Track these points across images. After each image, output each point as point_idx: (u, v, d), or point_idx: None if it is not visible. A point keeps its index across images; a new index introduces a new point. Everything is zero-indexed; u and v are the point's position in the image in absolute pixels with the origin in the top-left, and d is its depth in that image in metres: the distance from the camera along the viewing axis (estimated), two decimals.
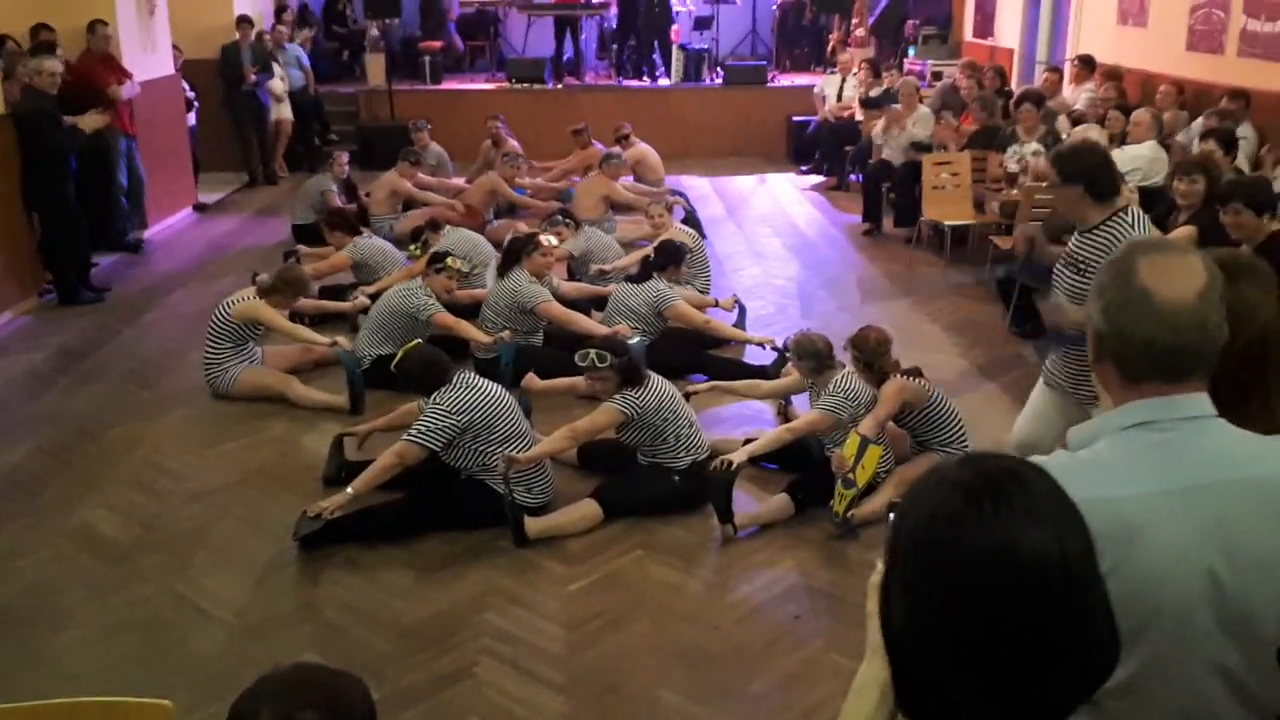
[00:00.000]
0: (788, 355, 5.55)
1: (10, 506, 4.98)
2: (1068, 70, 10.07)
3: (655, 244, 7.13)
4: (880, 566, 1.62)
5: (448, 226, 7.90)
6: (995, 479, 1.25)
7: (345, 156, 9.71)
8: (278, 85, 12.19)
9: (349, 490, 4.54)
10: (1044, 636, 1.19)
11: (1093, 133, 6.76)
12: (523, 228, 8.74)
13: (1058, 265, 4.10)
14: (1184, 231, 5.47)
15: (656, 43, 14.37)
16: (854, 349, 4.90)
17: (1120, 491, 1.55)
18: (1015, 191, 7.72)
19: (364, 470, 4.66)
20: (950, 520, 1.22)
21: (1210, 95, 8.27)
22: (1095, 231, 3.91)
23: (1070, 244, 4.04)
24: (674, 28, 14.65)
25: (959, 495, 1.23)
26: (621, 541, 4.63)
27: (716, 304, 7.07)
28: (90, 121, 8.04)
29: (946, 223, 8.46)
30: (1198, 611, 1.55)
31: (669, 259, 6.61)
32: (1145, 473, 1.57)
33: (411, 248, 7.57)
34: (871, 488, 4.61)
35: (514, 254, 6.56)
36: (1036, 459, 1.60)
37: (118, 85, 8.99)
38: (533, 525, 4.58)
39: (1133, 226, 3.84)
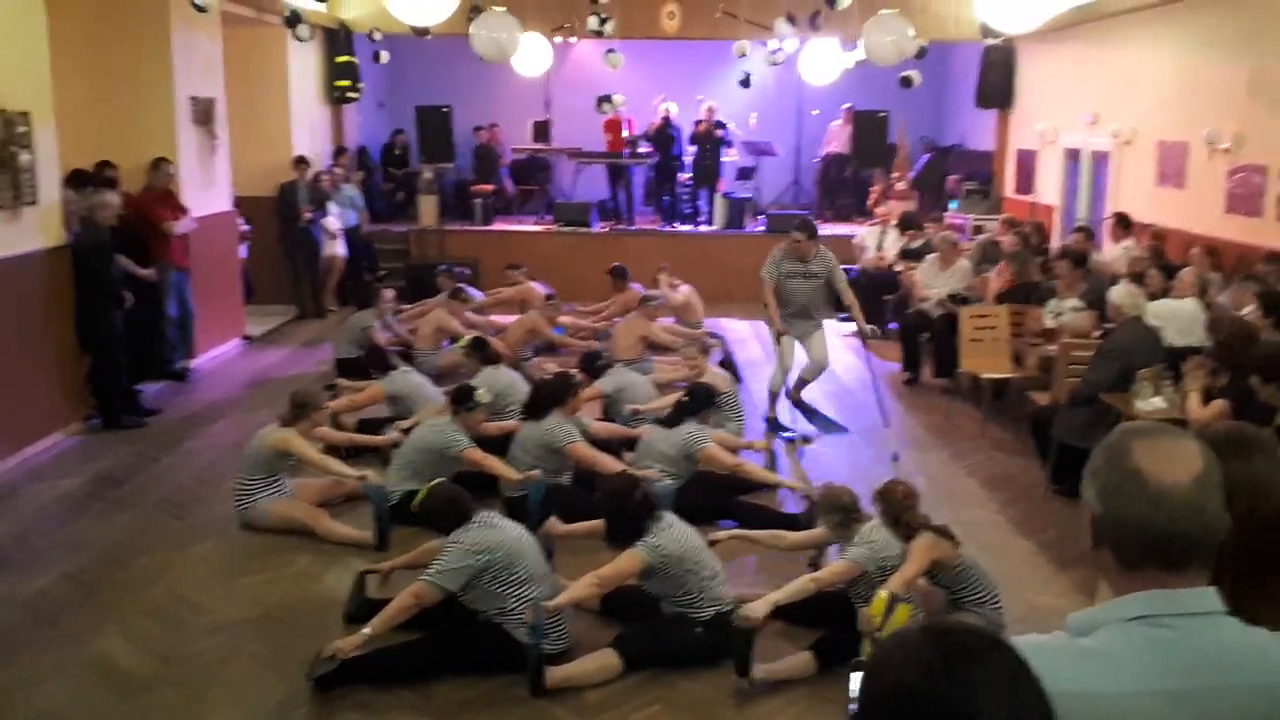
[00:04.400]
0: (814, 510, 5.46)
1: (29, 634, 4.97)
2: (1106, 228, 10.14)
3: (688, 387, 7.15)
4: None
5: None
6: (953, 654, 1.24)
7: (391, 293, 9.93)
8: (332, 223, 12.60)
9: (366, 630, 4.48)
10: None
11: (1120, 293, 6.75)
12: (551, 368, 8.86)
13: None
14: (1216, 406, 5.40)
15: (705, 191, 14.77)
16: (880, 502, 4.82)
17: (1119, 688, 1.48)
18: (1053, 347, 7.70)
19: (383, 609, 4.61)
20: (910, 689, 1.22)
21: (1249, 258, 8.27)
22: None
23: None
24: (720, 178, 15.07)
25: (920, 670, 1.23)
26: (639, 695, 4.50)
27: (751, 446, 7.03)
28: (141, 272, 8.58)
29: (985, 375, 8.42)
30: None
31: (701, 403, 6.61)
32: (1145, 670, 1.50)
33: (458, 346, 7.71)
34: None
35: (549, 398, 6.56)
36: (1034, 639, 1.55)
37: (173, 220, 9.33)
38: (552, 675, 4.48)
39: None
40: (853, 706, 1.60)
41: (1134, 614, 1.54)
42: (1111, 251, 9.74)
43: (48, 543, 6.05)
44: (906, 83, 15.07)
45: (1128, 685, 1.49)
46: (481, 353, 7.91)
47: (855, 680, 1.58)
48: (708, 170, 14.68)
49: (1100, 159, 11.89)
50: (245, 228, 11.73)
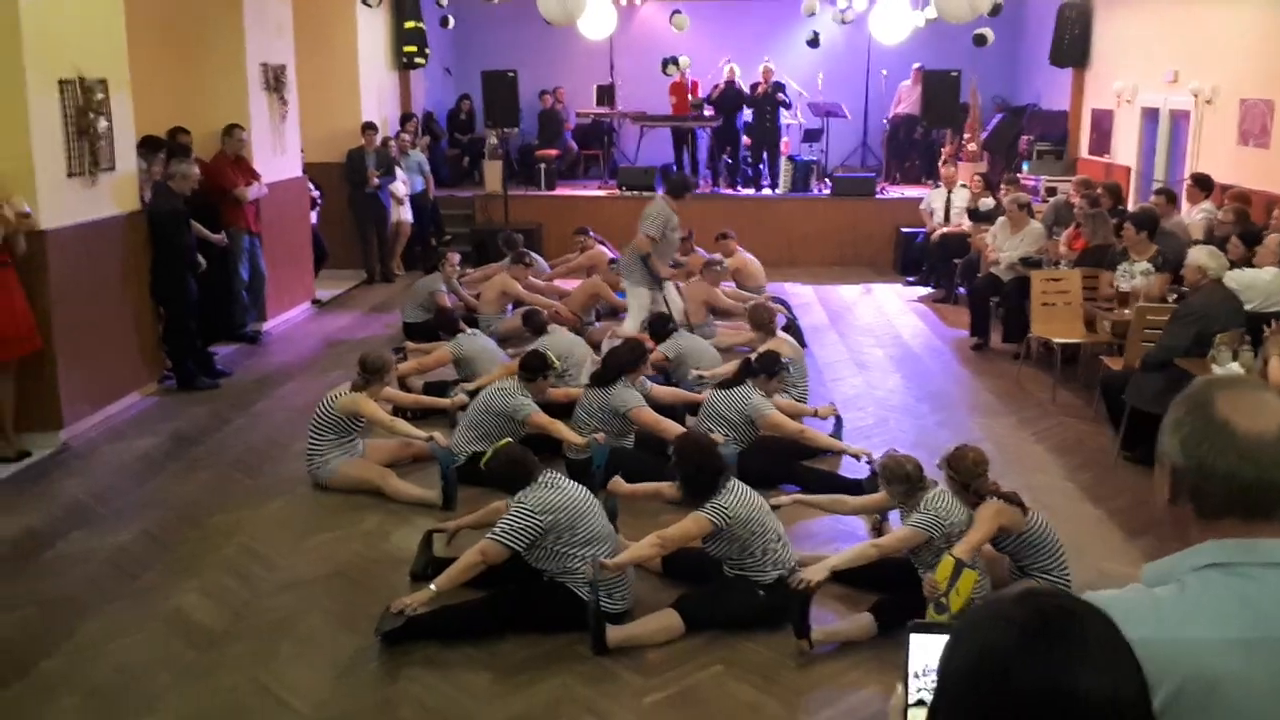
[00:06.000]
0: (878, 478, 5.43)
1: (110, 588, 5.13)
2: (1183, 189, 9.85)
3: (757, 353, 7.11)
4: (900, 690, 1.56)
5: (552, 326, 8.07)
6: (1051, 617, 1.21)
7: (456, 258, 10.01)
8: (399, 188, 12.72)
9: (432, 587, 4.56)
10: None
11: (1202, 255, 6.56)
12: (620, 330, 8.91)
13: None
14: None
15: (765, 154, 14.62)
16: (949, 469, 4.77)
17: (1197, 634, 1.46)
18: (1127, 311, 7.53)
19: (449, 567, 4.69)
20: (1002, 658, 1.19)
21: None
22: None
23: None
24: (783, 140, 14.89)
25: (1014, 632, 1.20)
26: (701, 655, 4.53)
27: (815, 413, 6.99)
28: (214, 237, 8.86)
29: (1056, 340, 8.27)
30: None
31: (762, 368, 6.58)
32: (1225, 617, 1.48)
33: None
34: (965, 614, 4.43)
35: (621, 366, 6.57)
36: (1110, 593, 1.54)
37: (245, 186, 9.49)
38: (613, 634, 4.52)
39: None
40: (913, 668, 1.58)
41: (1207, 561, 1.52)
42: (1189, 214, 9.47)
43: (127, 500, 6.23)
44: (980, 41, 14.79)
45: (1205, 632, 1.47)
46: (532, 324, 7.95)
47: (915, 642, 1.58)
48: (767, 133, 14.52)
49: (1179, 118, 11.54)
50: (315, 193, 11.89)
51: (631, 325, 8.90)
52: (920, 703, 1.56)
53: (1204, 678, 1.43)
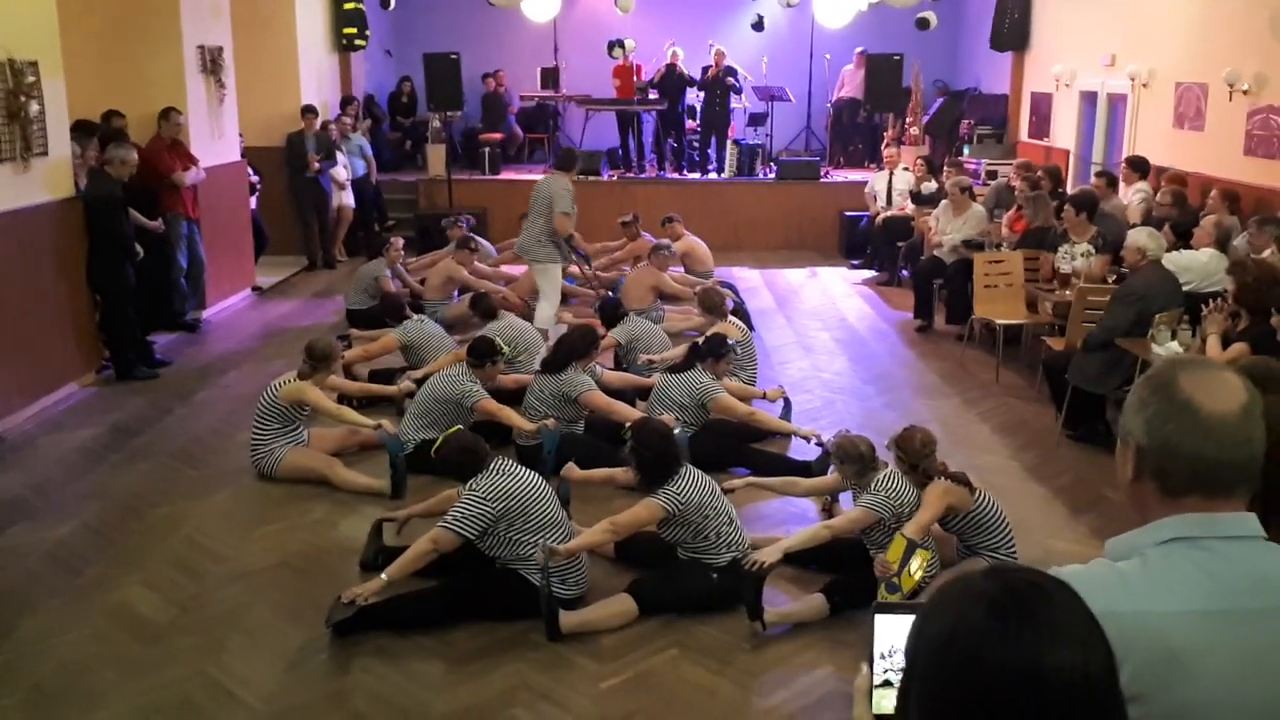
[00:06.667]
0: (829, 457, 5.47)
1: (51, 583, 5.02)
2: (1120, 172, 10.02)
3: (704, 336, 7.13)
4: (865, 670, 1.57)
5: (501, 311, 8.01)
6: (1021, 593, 1.22)
7: (400, 242, 9.90)
8: (340, 173, 12.54)
9: (383, 577, 4.52)
10: None
11: (1141, 236, 6.68)
12: (568, 317, 8.86)
13: None
14: (1237, 349, 5.37)
15: (714, 139, 14.64)
16: (898, 450, 4.82)
17: (1160, 606, 1.49)
18: (1068, 292, 7.65)
19: (400, 556, 4.64)
20: (973, 635, 1.20)
21: (1268, 200, 8.18)
22: None
23: None
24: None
25: (983, 609, 1.21)
26: (655, 639, 4.54)
27: (764, 395, 7.02)
28: (151, 224, 8.63)
29: (999, 321, 8.38)
30: None
31: (709, 351, 6.59)
32: (1187, 590, 1.51)
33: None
34: (916, 593, 4.49)
35: (572, 352, 6.54)
36: (1074, 568, 1.56)
37: (183, 171, 9.29)
38: (567, 620, 4.52)
39: None
40: (879, 649, 1.59)
41: (1170, 535, 1.56)
42: (1126, 196, 9.63)
43: (67, 493, 6.09)
44: (923, 24, 14.90)
45: (1168, 604, 1.50)
46: (481, 308, 7.89)
47: (881, 623, 1.58)
48: (717, 117, 14.53)
49: (1117, 101, 11.73)
50: (254, 178, 11.68)
51: (549, 307, 8.84)
52: (886, 683, 1.57)
53: (1168, 649, 1.46)
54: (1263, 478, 1.62)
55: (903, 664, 1.55)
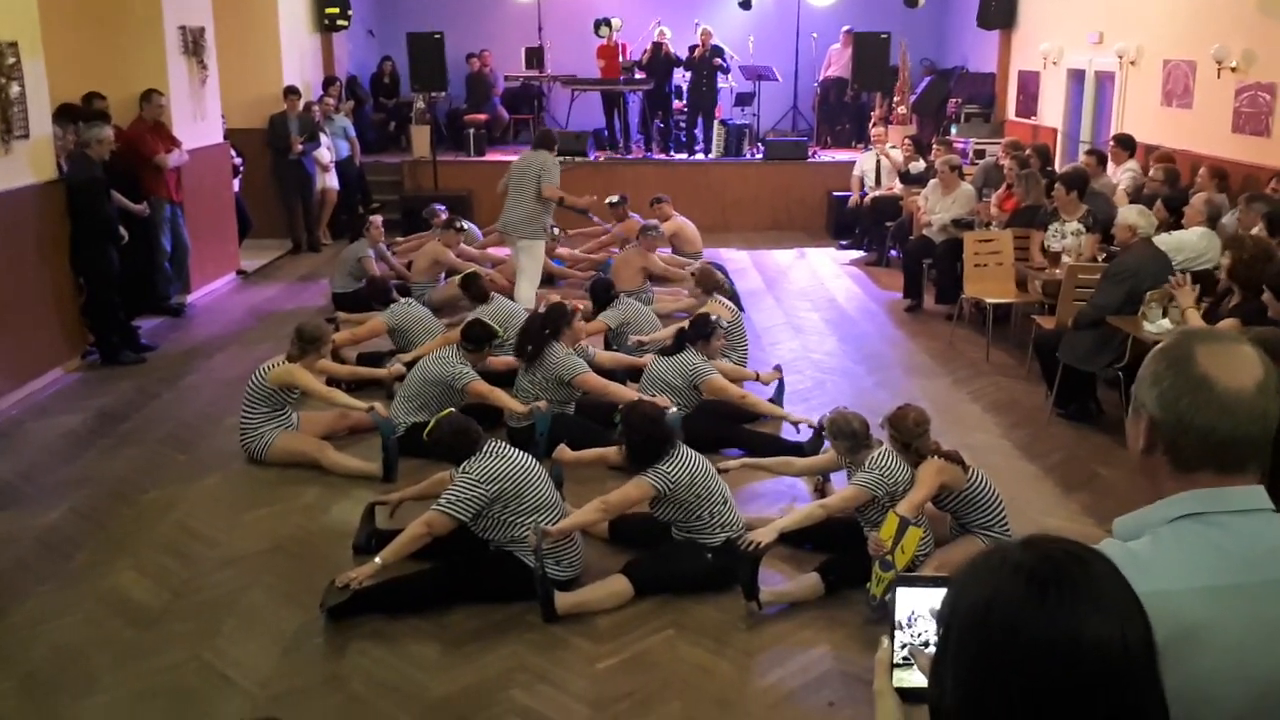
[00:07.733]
0: (824, 433, 5.47)
1: (42, 569, 4.98)
2: (1108, 150, 10.03)
3: (692, 317, 7.11)
4: (886, 643, 1.56)
5: (492, 294, 7.96)
6: (1059, 563, 1.21)
7: (379, 220, 9.83)
8: (323, 155, 12.43)
9: (377, 560, 4.49)
10: None
11: (1132, 214, 6.68)
12: (555, 297, 8.81)
13: None
14: (1228, 324, 5.38)
15: (701, 119, 14.58)
16: (891, 428, 4.82)
17: (1172, 585, 1.48)
18: (1058, 271, 7.65)
19: (393, 539, 4.62)
20: (1011, 605, 1.19)
21: (1256, 178, 8.20)
22: None
23: None
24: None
25: (1021, 579, 1.20)
26: (652, 619, 4.53)
27: (757, 377, 7.01)
28: (134, 207, 8.51)
29: (988, 300, 8.39)
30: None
31: (696, 332, 6.57)
32: (1198, 566, 1.50)
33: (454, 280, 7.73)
34: (910, 570, 4.49)
35: (548, 326, 6.52)
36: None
37: (165, 154, 9.19)
38: (562, 600, 4.51)
39: None
40: (899, 617, 1.58)
41: (1181, 512, 1.55)
42: (1114, 175, 9.64)
43: (55, 479, 6.04)
44: (911, 2, 14.86)
45: (1181, 582, 1.49)
46: (472, 289, 7.83)
47: (902, 596, 1.57)
48: (704, 97, 14.47)
49: (1105, 79, 11.73)
50: (237, 160, 11.57)
51: (529, 285, 8.79)
52: (906, 661, 1.56)
53: (1181, 626, 1.45)
54: (1275, 451, 1.62)
55: (922, 632, 1.55)
